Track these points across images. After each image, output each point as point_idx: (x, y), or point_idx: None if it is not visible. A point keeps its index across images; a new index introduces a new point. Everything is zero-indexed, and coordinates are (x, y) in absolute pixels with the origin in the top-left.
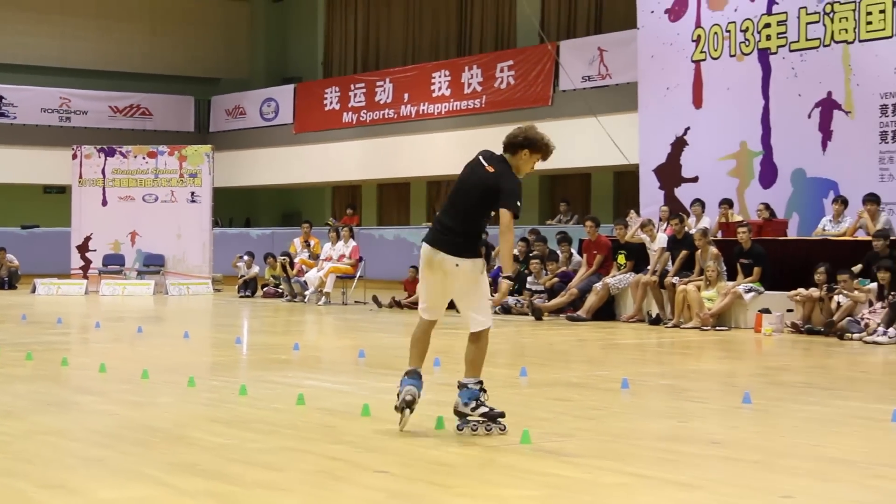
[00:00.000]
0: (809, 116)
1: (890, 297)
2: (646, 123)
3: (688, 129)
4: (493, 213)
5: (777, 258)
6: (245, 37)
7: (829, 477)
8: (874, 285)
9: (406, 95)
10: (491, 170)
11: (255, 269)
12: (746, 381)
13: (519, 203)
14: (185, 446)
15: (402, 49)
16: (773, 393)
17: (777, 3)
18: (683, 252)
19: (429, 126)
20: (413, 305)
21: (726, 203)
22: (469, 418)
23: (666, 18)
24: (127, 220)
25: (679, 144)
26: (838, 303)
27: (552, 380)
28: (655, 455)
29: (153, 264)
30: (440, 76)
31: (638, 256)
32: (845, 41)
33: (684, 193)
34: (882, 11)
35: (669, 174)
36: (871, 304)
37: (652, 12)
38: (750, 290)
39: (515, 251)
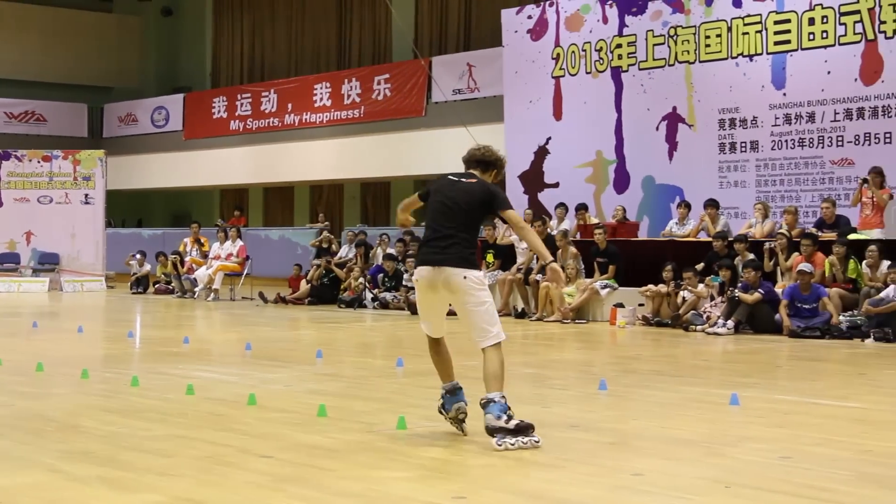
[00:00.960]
0: (657, 129)
1: (728, 292)
2: (511, 133)
3: (549, 138)
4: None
5: (629, 257)
6: (137, 48)
7: (675, 456)
8: (720, 282)
9: (290, 105)
10: (473, 181)
11: (147, 267)
12: (602, 369)
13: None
14: (78, 434)
15: (286, 62)
16: (627, 380)
17: (627, 26)
18: None
19: (311, 134)
20: (296, 301)
21: (583, 208)
22: (505, 430)
23: (528, 38)
24: (22, 221)
25: (541, 153)
26: (683, 298)
27: (426, 370)
28: None
29: (48, 262)
30: (321, 87)
31: (505, 256)
32: (687, 61)
33: (546, 198)
34: (719, 35)
35: (533, 180)
36: (712, 298)
37: (515, 32)
38: (605, 287)
39: (393, 251)
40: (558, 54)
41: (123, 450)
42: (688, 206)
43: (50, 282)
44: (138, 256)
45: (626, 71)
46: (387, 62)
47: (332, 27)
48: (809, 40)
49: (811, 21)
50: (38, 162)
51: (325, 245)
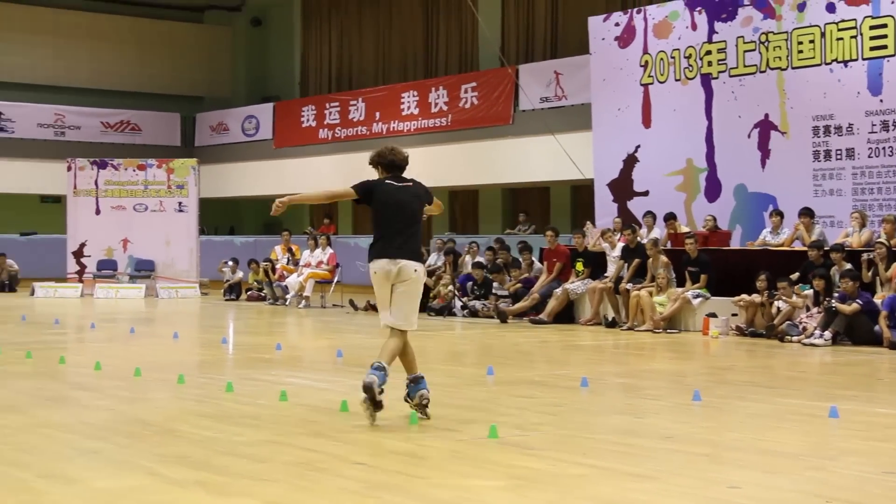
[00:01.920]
0: (749, 136)
1: (825, 302)
2: (599, 141)
3: (638, 146)
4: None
5: (721, 266)
6: (227, 58)
7: (772, 468)
8: (811, 291)
9: (377, 114)
10: (410, 185)
11: (240, 274)
12: (696, 380)
13: None
14: (175, 439)
15: (374, 70)
16: (721, 391)
17: (717, 33)
18: (636, 260)
19: (399, 142)
20: None
21: (672, 217)
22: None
23: (616, 45)
24: (119, 228)
25: (630, 161)
26: (778, 308)
27: (517, 378)
28: (613, 448)
29: (144, 269)
30: (409, 96)
31: (595, 264)
32: (780, 68)
33: (636, 206)
34: (812, 41)
35: (622, 188)
36: (808, 308)
37: (603, 39)
38: (697, 296)
39: (482, 259)
40: (647, 61)
41: (218, 454)
42: (781, 215)
43: (146, 288)
44: (231, 263)
45: (717, 78)
46: (474, 70)
47: (419, 35)
48: None
49: None
50: (134, 170)
51: None
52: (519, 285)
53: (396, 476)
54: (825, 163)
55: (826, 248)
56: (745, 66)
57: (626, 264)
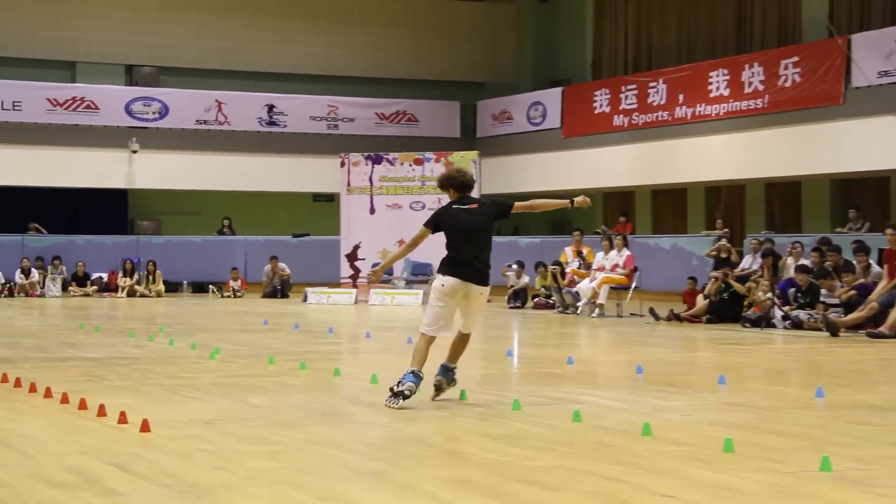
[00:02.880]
0: None
1: None
2: None
3: None
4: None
5: None
6: (511, 40)
7: None
8: None
9: (681, 96)
10: (475, 206)
11: (525, 279)
12: None
13: None
14: (458, 461)
15: (676, 48)
16: None
17: None
18: None
19: (706, 128)
20: (692, 319)
21: None
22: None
23: None
24: (394, 229)
25: None
26: None
27: (853, 402)
28: None
29: (421, 273)
30: (718, 75)
31: None
32: None
33: None
34: None
35: None
36: None
37: None
38: None
39: (808, 262)
40: None
41: (507, 480)
42: None
43: (423, 294)
44: (515, 267)
45: None
46: (795, 43)
47: (730, 6)
48: None
49: None
50: (410, 165)
51: (723, 255)
52: (853, 292)
53: None
54: None
55: None
56: None
57: None
